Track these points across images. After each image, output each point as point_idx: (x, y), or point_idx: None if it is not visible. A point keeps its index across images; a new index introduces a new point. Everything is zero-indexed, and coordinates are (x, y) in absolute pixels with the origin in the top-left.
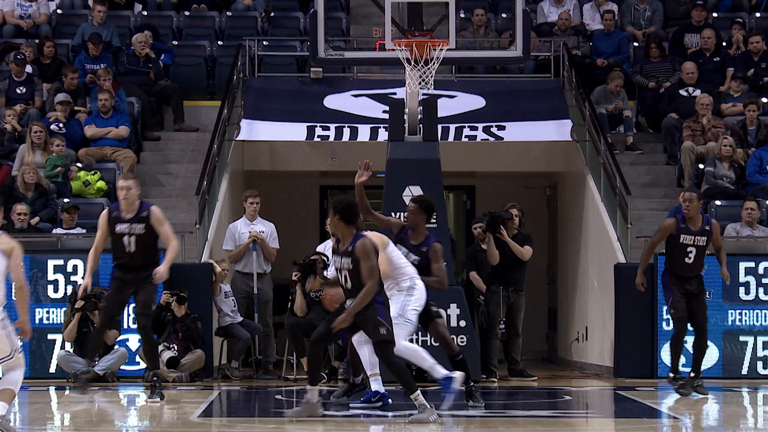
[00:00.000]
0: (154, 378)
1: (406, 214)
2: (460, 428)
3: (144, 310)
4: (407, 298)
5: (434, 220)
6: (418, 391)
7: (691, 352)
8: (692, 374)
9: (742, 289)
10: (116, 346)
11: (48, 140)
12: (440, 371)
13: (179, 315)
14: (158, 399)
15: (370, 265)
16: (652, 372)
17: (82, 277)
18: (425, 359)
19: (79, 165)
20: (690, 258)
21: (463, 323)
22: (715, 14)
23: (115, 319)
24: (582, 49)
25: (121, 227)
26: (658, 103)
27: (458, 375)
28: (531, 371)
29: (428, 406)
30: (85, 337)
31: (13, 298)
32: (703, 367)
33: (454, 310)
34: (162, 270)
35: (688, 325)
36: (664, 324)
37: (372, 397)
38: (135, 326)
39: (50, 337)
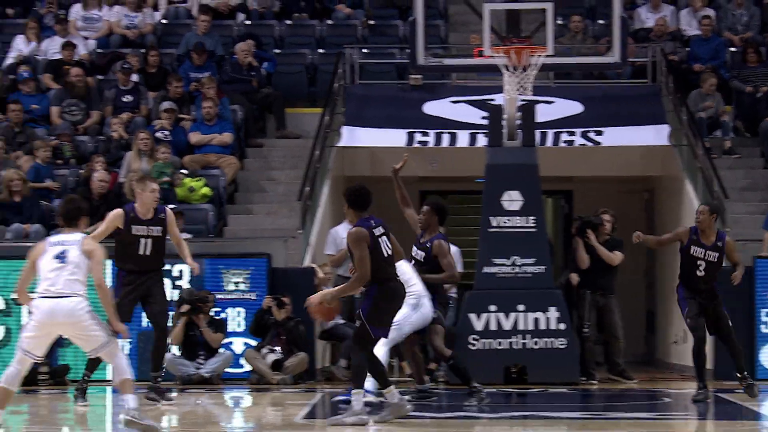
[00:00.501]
0: (158, 379)
1: (420, 216)
2: (563, 429)
3: (163, 308)
4: (412, 312)
5: (533, 224)
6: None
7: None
8: (739, 376)
9: None
10: (221, 350)
11: (154, 147)
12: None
13: (279, 319)
14: (156, 402)
15: (358, 255)
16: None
17: (189, 282)
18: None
19: (185, 171)
20: (701, 271)
21: (562, 326)
22: None
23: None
24: (679, 54)
25: (138, 229)
26: (755, 107)
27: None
28: (630, 374)
29: (364, 410)
30: (191, 341)
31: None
32: None
33: (553, 312)
34: (195, 264)
35: (707, 334)
36: (762, 326)
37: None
38: (238, 330)
39: None
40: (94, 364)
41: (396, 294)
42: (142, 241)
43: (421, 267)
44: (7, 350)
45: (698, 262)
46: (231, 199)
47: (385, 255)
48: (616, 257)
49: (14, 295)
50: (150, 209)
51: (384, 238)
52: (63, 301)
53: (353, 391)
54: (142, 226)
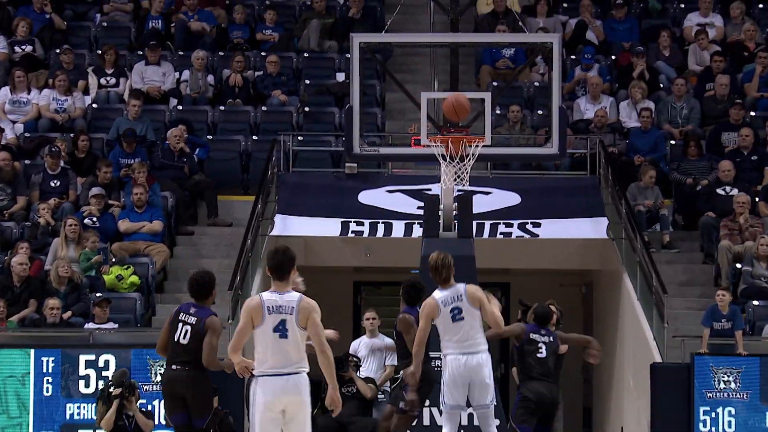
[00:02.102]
0: None
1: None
2: None
3: None
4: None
5: None
6: None
7: None
8: None
9: None
10: None
11: (82, 234)
12: None
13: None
14: None
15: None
16: None
17: (114, 371)
18: None
19: (113, 260)
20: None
21: (497, 421)
22: (753, 113)
23: None
24: (618, 146)
25: None
26: (695, 201)
27: None
28: None
29: None
30: (121, 429)
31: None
32: None
33: None
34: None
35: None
36: (701, 425)
37: None
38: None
39: None
40: None
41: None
42: None
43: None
44: None
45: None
46: (160, 287)
47: None
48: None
49: None
50: None
51: None
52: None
53: None
54: None
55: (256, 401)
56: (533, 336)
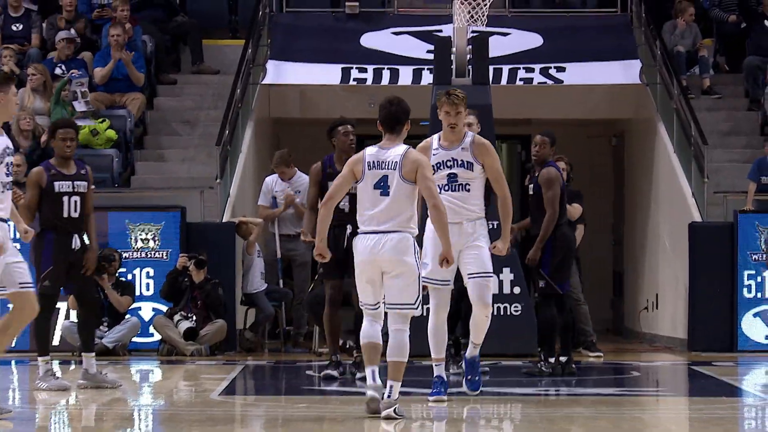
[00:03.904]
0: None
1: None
2: (517, 407)
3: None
4: None
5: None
6: None
7: None
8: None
9: None
10: (128, 316)
11: (50, 84)
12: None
13: (197, 281)
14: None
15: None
16: (731, 345)
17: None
18: None
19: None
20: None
21: (517, 290)
22: None
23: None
24: None
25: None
26: (738, 40)
27: None
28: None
29: None
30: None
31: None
32: None
33: (507, 275)
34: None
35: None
36: (745, 291)
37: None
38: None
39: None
40: None
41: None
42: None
43: None
44: None
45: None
46: (139, 143)
47: None
48: (574, 210)
49: None
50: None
51: None
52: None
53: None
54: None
55: (355, 260)
56: None
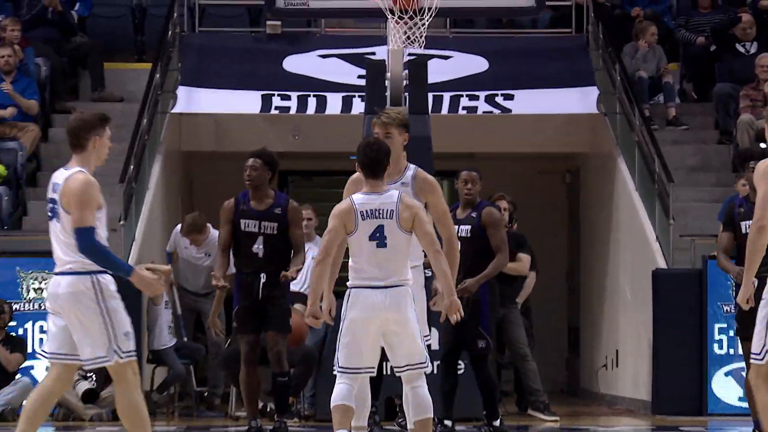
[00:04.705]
0: None
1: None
2: None
3: None
4: None
5: None
6: None
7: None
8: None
9: None
10: (18, 375)
11: None
12: None
13: None
14: None
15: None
16: (700, 408)
17: None
18: None
19: None
20: None
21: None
22: None
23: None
24: None
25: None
26: (707, 65)
27: None
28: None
29: None
30: None
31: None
32: None
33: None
34: None
35: None
36: (715, 346)
37: None
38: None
39: None
40: None
41: None
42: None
43: None
44: None
45: None
46: (32, 180)
47: None
48: (520, 266)
49: None
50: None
51: None
52: None
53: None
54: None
55: (347, 317)
56: None
